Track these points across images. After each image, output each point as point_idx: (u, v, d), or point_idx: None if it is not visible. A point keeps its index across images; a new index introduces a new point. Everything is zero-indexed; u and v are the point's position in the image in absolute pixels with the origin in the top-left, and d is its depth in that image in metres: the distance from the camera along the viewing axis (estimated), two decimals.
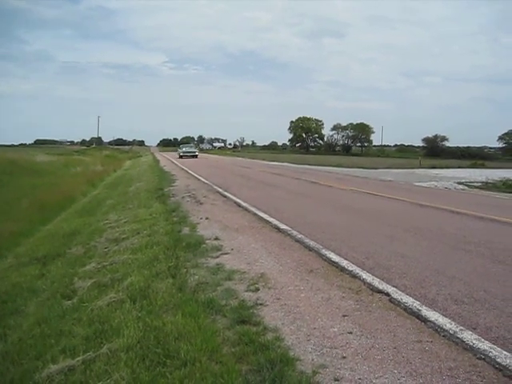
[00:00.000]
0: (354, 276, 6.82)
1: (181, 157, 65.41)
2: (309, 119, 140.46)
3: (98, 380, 4.17)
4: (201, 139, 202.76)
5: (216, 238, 9.39)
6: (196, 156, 67.83)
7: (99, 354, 4.66)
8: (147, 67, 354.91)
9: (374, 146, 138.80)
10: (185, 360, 4.31)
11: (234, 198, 16.28)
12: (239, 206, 14.51)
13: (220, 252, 8.33)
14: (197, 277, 6.82)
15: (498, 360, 4.22)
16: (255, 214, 12.57)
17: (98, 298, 6.35)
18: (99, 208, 16.52)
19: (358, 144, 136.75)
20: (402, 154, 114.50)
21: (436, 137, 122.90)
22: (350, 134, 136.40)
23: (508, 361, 4.19)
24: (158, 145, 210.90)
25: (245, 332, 4.86)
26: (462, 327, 4.95)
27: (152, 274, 7.03)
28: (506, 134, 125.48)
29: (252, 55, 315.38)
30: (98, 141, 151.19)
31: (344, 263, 7.41)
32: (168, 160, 56.28)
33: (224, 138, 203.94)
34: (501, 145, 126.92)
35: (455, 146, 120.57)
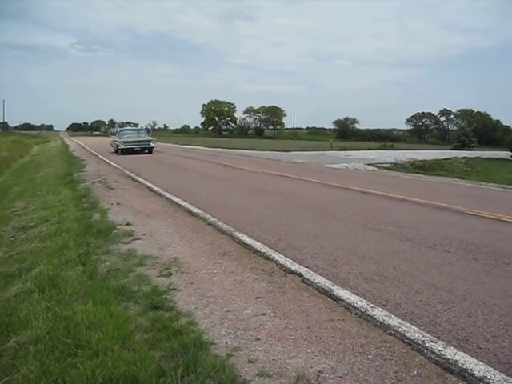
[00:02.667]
0: (267, 258, 6.87)
1: (120, 151, 34.19)
2: (221, 102, 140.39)
3: (4, 375, 4.00)
4: (112, 123, 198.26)
5: (127, 224, 9.24)
6: (151, 150, 35.68)
7: (6, 348, 4.47)
8: (56, 49, 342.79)
9: (287, 128, 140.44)
10: (96, 349, 4.19)
11: (146, 182, 16.09)
12: (151, 190, 14.35)
13: (132, 237, 8.19)
14: (108, 263, 6.67)
15: (407, 335, 4.35)
16: (168, 199, 12.46)
17: (5, 290, 6.08)
18: (5, 196, 15.87)
19: (271, 127, 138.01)
20: (314, 136, 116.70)
21: (347, 119, 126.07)
22: (263, 117, 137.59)
23: (416, 335, 4.33)
24: (68, 129, 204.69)
25: (158, 318, 4.79)
26: (372, 305, 5.08)
27: (61, 262, 6.81)
28: (413, 116, 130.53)
29: (163, 37, 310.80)
30: (3, 126, 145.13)
31: (257, 245, 7.46)
32: (78, 145, 54.65)
33: (136, 122, 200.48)
34: (409, 127, 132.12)
35: (365, 128, 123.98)
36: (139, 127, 55.41)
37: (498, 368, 3.78)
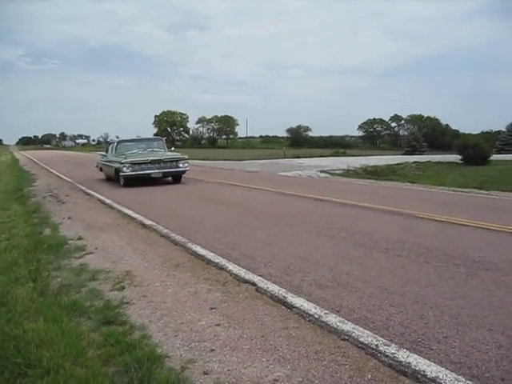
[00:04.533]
0: (221, 268, 6.85)
1: (123, 180, 19.44)
2: (173, 113, 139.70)
3: None
4: (63, 136, 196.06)
5: (79, 238, 9.10)
6: (179, 177, 20.77)
7: None
8: (3, 61, 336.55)
9: (240, 138, 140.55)
10: (48, 368, 4.09)
11: (98, 195, 15.95)
12: (103, 203, 14.22)
13: (83, 252, 8.06)
14: (59, 279, 6.55)
15: (361, 339, 4.38)
16: (120, 211, 12.35)
17: None
18: None
19: (224, 136, 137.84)
20: (268, 144, 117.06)
21: (299, 127, 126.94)
22: (216, 127, 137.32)
23: (370, 339, 4.36)
24: (18, 143, 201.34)
25: (111, 333, 4.72)
26: (326, 311, 5.09)
27: (11, 279, 6.65)
28: (364, 123, 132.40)
29: (115, 49, 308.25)
30: None
31: (210, 255, 7.43)
32: (28, 159, 53.74)
33: (87, 135, 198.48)
34: (361, 133, 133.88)
35: (318, 135, 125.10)
36: (149, 137, 27.58)
37: (450, 368, 3.83)
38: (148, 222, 10.43)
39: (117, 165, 19.70)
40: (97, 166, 24.71)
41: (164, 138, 25.00)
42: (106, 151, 23.23)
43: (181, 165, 20.10)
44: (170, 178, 20.62)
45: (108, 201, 14.25)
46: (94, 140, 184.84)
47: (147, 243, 8.67)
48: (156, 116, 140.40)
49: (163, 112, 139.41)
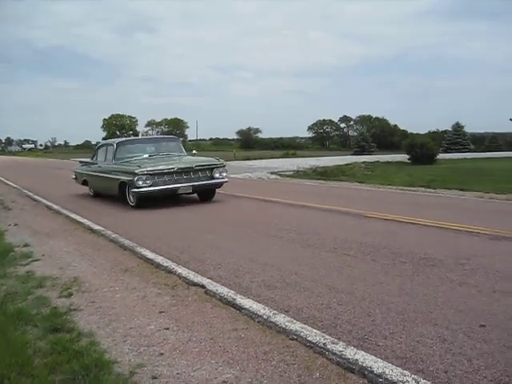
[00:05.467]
0: (170, 271, 6.83)
1: (135, 198, 13.50)
2: (122, 116, 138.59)
3: None
4: (9, 141, 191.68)
5: (26, 245, 8.91)
6: (212, 191, 14.89)
7: None
8: None
9: (190, 140, 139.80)
10: None
11: (45, 201, 15.64)
12: (50, 209, 14.00)
13: (30, 259, 7.90)
14: (5, 287, 6.40)
15: (309, 338, 4.40)
16: (67, 217, 12.17)
17: None
18: None
19: None
20: (218, 147, 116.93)
21: (249, 129, 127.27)
22: (165, 130, 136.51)
23: (318, 338, 4.39)
24: None
25: (58, 340, 4.63)
26: (275, 311, 5.11)
27: None
28: (314, 124, 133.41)
29: (63, 51, 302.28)
30: None
31: (159, 259, 7.40)
32: None
33: (34, 139, 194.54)
34: (310, 134, 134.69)
35: (268, 137, 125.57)
36: (158, 136, 17.62)
37: (396, 363, 3.89)
38: (96, 227, 10.30)
39: (124, 177, 13.73)
40: (76, 178, 18.39)
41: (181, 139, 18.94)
42: (93, 157, 17.16)
43: (217, 174, 14.29)
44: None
45: (55, 206, 14.04)
46: (41, 145, 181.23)
47: (95, 248, 8.57)
48: (104, 119, 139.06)
49: (112, 115, 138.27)
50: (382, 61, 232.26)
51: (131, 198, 13.71)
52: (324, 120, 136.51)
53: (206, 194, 14.84)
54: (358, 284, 5.99)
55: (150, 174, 13.17)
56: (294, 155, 60.33)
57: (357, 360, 3.94)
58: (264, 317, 4.99)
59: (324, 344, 4.27)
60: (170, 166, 13.70)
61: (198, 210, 12.75)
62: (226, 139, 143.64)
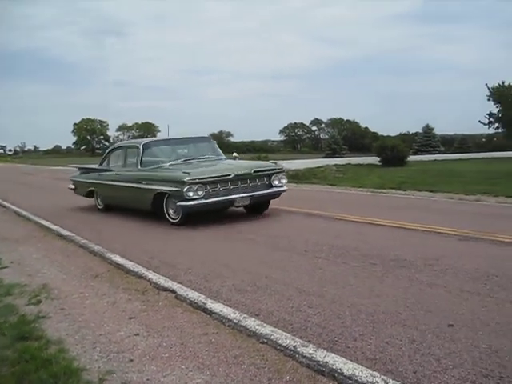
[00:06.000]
0: (140, 276, 6.80)
1: (181, 214, 10.81)
2: (93, 120, 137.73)
3: None
4: None
5: None
6: (266, 203, 12.18)
7: None
8: None
9: None
10: None
11: (14, 207, 15.41)
12: (19, 215, 13.82)
13: None
14: None
15: (279, 342, 4.40)
16: (37, 223, 12.03)
17: None
18: None
19: None
20: None
21: (221, 133, 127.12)
22: (137, 134, 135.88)
23: (288, 341, 4.39)
24: None
25: (25, 349, 4.57)
26: (245, 315, 5.11)
27: None
28: (286, 127, 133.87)
29: (31, 55, 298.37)
30: None
31: (129, 265, 7.36)
32: None
33: (3, 144, 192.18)
34: (282, 138, 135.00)
35: (240, 140, 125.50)
36: (189, 136, 14.12)
37: (365, 364, 3.91)
38: (66, 233, 10.19)
39: (164, 186, 11.08)
40: (75, 189, 15.91)
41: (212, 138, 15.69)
42: (103, 162, 14.59)
43: (276, 181, 11.82)
44: None
45: (25, 212, 13.83)
46: (10, 150, 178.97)
47: (65, 254, 8.49)
48: (75, 124, 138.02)
49: (82, 120, 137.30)
50: (356, 64, 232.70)
51: (172, 214, 11.13)
52: (296, 123, 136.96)
53: (260, 207, 12.15)
54: (329, 286, 6.02)
55: (202, 183, 10.54)
56: (266, 158, 60.19)
57: (327, 362, 3.95)
58: (234, 321, 4.98)
59: (294, 347, 4.27)
60: (226, 173, 11.04)
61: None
62: None
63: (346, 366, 3.87)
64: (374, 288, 5.90)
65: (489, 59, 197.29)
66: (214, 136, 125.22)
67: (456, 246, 8.01)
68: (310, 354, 4.13)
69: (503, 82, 48.76)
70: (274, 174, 11.84)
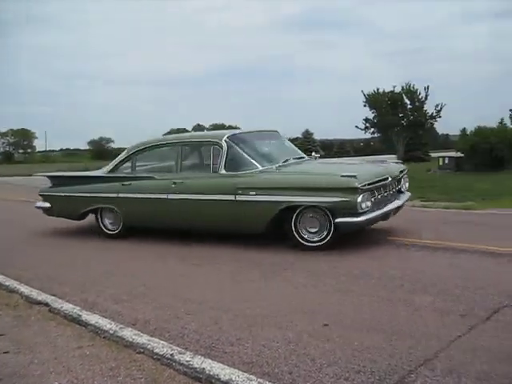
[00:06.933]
0: (12, 291, 6.49)
1: (346, 223, 7.38)
2: None
3: None
4: None
5: None
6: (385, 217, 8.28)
7: None
8: None
9: (39, 151, 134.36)
10: None
11: None
12: None
13: None
14: None
15: (156, 350, 4.34)
16: None
17: None
18: None
19: (21, 151, 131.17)
20: (70, 158, 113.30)
21: (101, 139, 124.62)
22: (12, 141, 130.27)
23: (165, 350, 4.33)
24: None
25: None
26: (122, 325, 5.01)
27: None
28: (167, 132, 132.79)
29: None
30: None
31: None
32: None
33: None
34: None
35: (122, 147, 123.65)
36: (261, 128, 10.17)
37: (242, 369, 3.93)
38: None
39: (315, 197, 7.66)
40: (48, 209, 10.91)
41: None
42: (117, 168, 10.38)
43: (405, 186, 9.40)
44: None
45: None
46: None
47: None
48: None
49: None
50: (240, 69, 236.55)
51: (307, 235, 7.92)
52: (178, 129, 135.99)
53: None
54: (207, 292, 6.03)
55: (370, 190, 7.69)
56: None
57: (204, 369, 3.94)
58: (110, 332, 4.87)
59: (171, 355, 4.23)
60: (385, 176, 8.26)
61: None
62: (78, 150, 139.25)
63: (223, 372, 3.86)
64: (252, 292, 6.00)
65: (363, 67, 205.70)
66: (94, 142, 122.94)
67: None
68: (187, 361, 4.09)
69: (378, 89, 51.02)
70: (404, 175, 9.34)
